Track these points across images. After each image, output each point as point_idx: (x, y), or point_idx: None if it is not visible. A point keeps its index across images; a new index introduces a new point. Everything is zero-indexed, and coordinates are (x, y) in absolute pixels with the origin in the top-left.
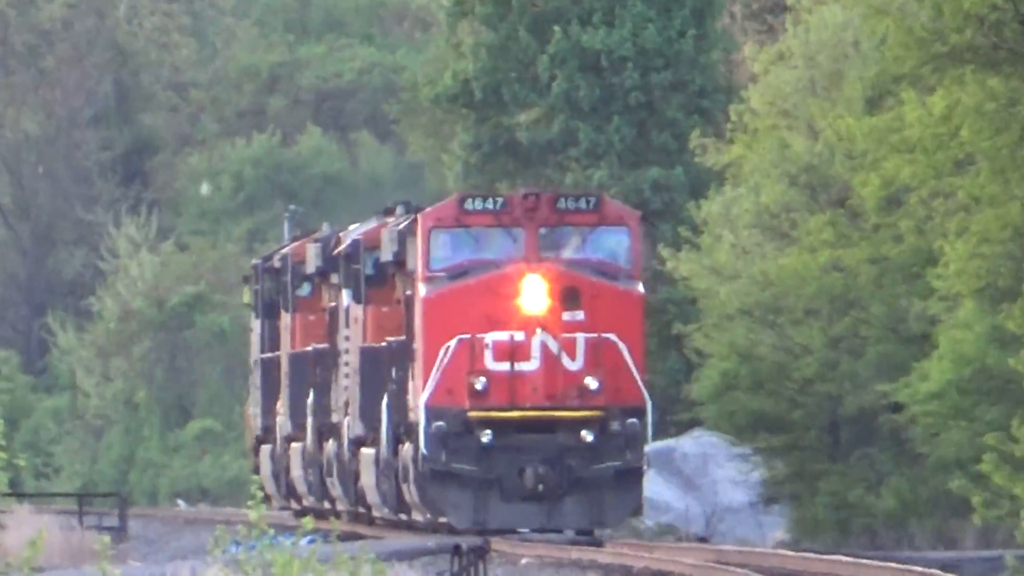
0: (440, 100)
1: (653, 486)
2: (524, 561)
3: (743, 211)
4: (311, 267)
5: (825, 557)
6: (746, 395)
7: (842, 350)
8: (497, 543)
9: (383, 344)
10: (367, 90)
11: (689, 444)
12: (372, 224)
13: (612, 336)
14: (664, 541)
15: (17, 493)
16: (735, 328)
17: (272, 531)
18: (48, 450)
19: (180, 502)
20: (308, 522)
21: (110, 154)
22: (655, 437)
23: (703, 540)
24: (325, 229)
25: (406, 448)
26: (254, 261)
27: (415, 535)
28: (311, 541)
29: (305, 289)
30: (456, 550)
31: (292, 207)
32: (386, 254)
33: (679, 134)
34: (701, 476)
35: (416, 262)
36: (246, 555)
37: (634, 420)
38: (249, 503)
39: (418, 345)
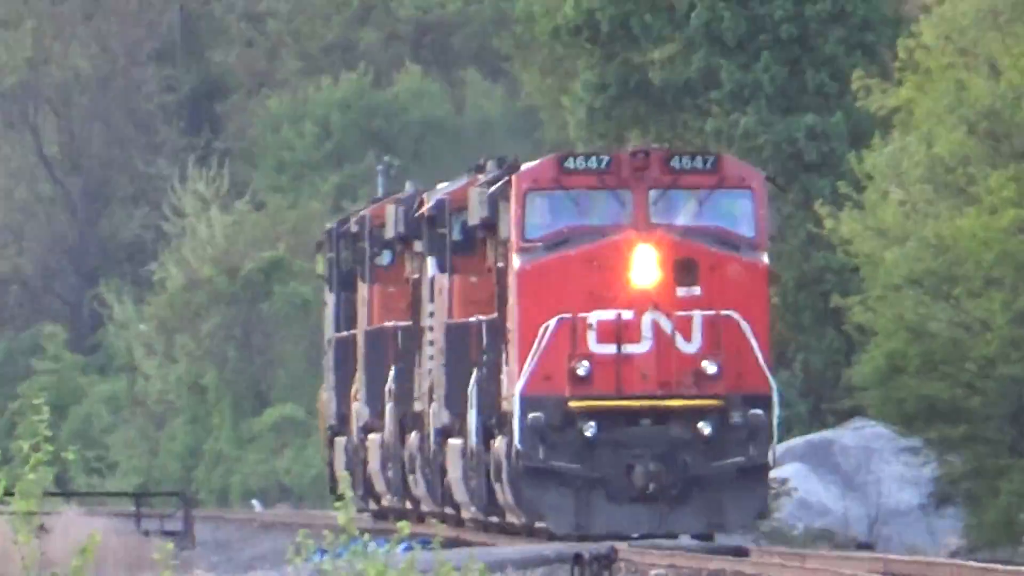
0: (560, 34)
1: (806, 484)
2: (655, 572)
3: (913, 164)
4: (391, 232)
5: (1011, 568)
6: (916, 379)
7: None
8: (624, 551)
9: (472, 320)
10: (475, 22)
11: (849, 436)
12: (461, 182)
13: (733, 314)
14: (820, 549)
15: (65, 492)
16: (904, 300)
17: (366, 536)
18: (101, 442)
19: (255, 502)
20: (405, 526)
21: (175, 96)
22: (810, 428)
23: (866, 547)
24: (408, 188)
25: (498, 442)
26: (328, 226)
27: (528, 541)
28: (407, 548)
29: (385, 257)
30: (577, 559)
31: (387, 158)
32: (474, 217)
33: (838, 74)
34: (863, 473)
35: (510, 229)
36: (333, 564)
37: (758, 410)
38: (336, 504)
39: (512, 324)
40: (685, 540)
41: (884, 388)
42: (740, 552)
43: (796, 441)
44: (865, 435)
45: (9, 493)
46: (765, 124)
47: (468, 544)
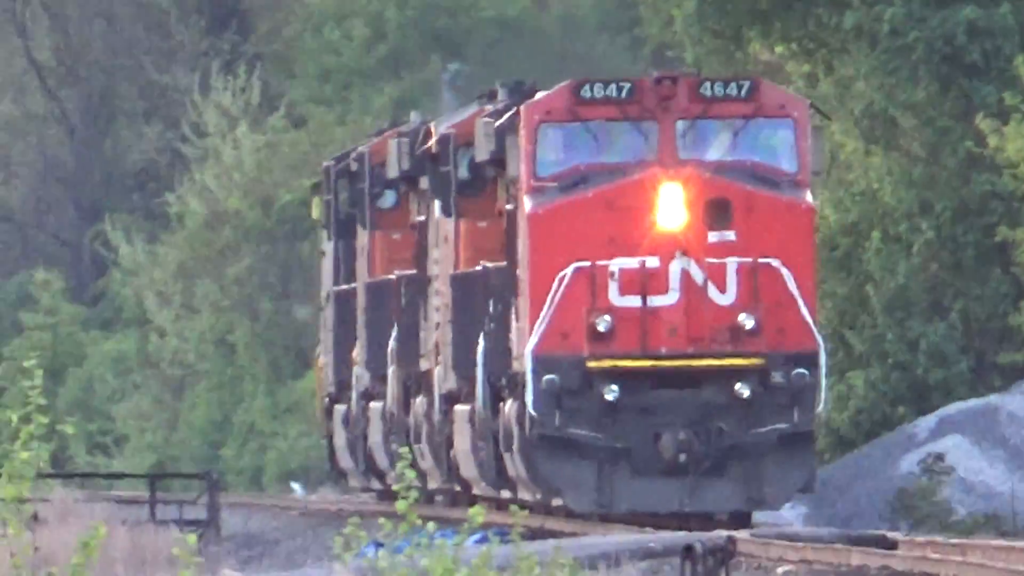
0: None
1: (967, 460)
2: (783, 569)
3: None
4: (394, 170)
5: None
6: None
7: None
8: (744, 542)
9: (479, 270)
10: None
11: (1019, 402)
12: (469, 111)
13: (774, 261)
14: (983, 538)
15: (63, 473)
16: None
17: (431, 525)
18: (107, 412)
19: (295, 485)
20: (478, 512)
21: None
22: (972, 391)
23: None
24: (413, 119)
25: (508, 407)
26: (325, 163)
27: (629, 531)
28: (481, 539)
29: (388, 199)
30: (688, 553)
31: (454, 66)
32: (482, 153)
33: None
34: None
35: (519, 167)
36: (390, 560)
37: (803, 370)
38: (394, 487)
39: (523, 274)
40: (820, 530)
41: None
42: (886, 543)
43: (955, 408)
44: None
45: None
46: (916, 18)
47: (554, 535)
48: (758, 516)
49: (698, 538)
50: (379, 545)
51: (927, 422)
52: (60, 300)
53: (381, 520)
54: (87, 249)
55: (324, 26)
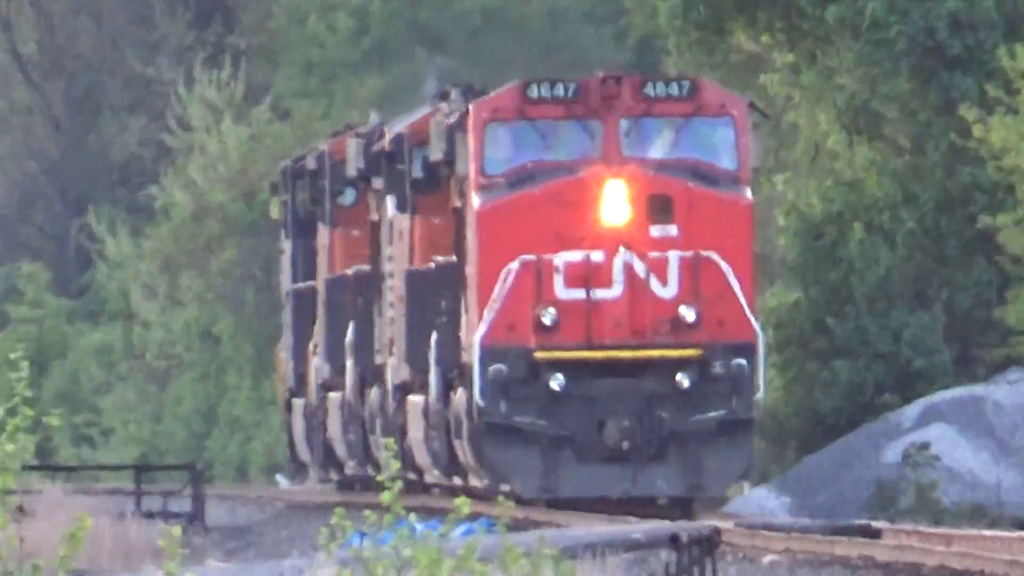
0: None
1: (952, 450)
2: (769, 559)
3: None
4: (352, 169)
5: None
6: None
7: None
8: (729, 532)
9: (431, 265)
10: None
11: (1004, 392)
12: (423, 112)
13: (713, 255)
14: (969, 527)
15: (49, 466)
16: None
17: (412, 516)
18: (92, 404)
19: (280, 477)
20: (464, 503)
21: None
22: (957, 381)
23: None
24: (373, 118)
25: (458, 396)
26: (283, 163)
27: (613, 521)
28: (469, 531)
29: (348, 197)
30: (674, 542)
31: (437, 58)
32: (435, 152)
33: None
34: (1021, 436)
35: (468, 165)
36: (374, 551)
37: (741, 360)
38: (379, 478)
39: (471, 269)
40: (805, 520)
41: None
42: (870, 532)
43: (940, 397)
44: (1023, 390)
45: None
46: (899, 11)
47: (536, 525)
48: (741, 507)
49: (684, 528)
50: (364, 536)
51: (912, 410)
52: (45, 293)
53: (366, 511)
54: (72, 242)
55: (308, 18)
